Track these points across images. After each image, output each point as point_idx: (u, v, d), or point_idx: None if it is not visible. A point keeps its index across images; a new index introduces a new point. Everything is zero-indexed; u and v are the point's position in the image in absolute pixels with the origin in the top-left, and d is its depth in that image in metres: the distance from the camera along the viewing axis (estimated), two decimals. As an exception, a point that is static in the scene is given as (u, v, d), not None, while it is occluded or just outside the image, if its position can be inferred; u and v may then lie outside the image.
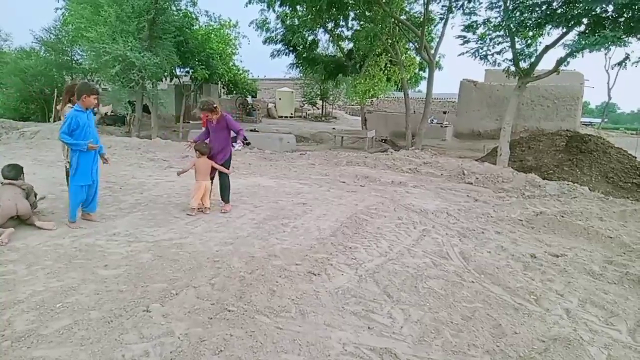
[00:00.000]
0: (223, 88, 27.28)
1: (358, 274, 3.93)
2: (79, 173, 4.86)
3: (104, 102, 23.17)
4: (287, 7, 17.53)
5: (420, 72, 22.85)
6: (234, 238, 4.76)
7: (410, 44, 17.84)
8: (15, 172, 4.97)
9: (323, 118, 33.34)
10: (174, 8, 17.43)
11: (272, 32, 19.75)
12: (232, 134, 5.96)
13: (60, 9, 20.14)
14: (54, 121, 20.55)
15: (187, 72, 21.03)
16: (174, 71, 19.87)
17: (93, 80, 23.59)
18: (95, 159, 5.10)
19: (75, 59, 23.63)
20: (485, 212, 6.47)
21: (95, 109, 5.96)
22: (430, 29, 17.06)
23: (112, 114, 22.17)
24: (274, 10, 18.26)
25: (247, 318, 3.04)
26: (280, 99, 32.91)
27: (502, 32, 10.87)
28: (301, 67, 22.39)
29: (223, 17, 20.50)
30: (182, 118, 21.36)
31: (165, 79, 20.95)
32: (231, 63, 23.03)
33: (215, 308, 3.15)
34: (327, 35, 19.99)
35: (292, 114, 33.30)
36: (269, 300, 3.32)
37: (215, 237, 4.75)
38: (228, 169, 5.98)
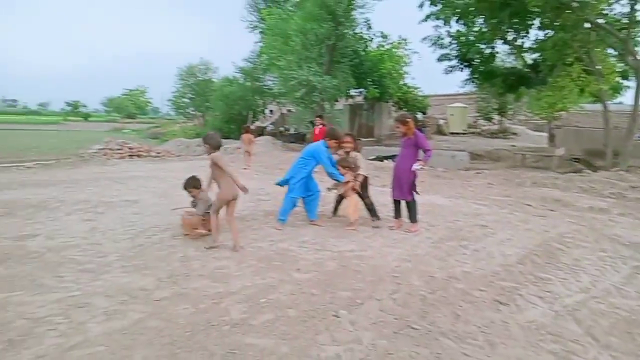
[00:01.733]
0: (394, 106, 27.79)
1: (554, 309, 3.54)
2: (297, 188, 5.84)
3: (290, 122, 25.81)
4: (463, 24, 17.02)
5: (623, 81, 19.60)
6: (412, 255, 4.77)
7: (610, 50, 15.48)
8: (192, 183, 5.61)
9: (500, 134, 31.09)
10: (351, 33, 18.53)
11: (447, 47, 19.37)
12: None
13: (258, 42, 23.23)
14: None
15: (360, 92, 22.06)
16: (349, 92, 21.06)
17: (280, 103, 26.57)
18: (311, 176, 6.03)
19: (267, 85, 26.96)
20: None
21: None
22: (637, 31, 14.54)
23: (295, 132, 24.55)
24: (449, 26, 17.93)
25: (432, 339, 3.01)
26: (452, 114, 31.89)
27: None
28: (476, 81, 21.38)
29: (393, 37, 20.98)
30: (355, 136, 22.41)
31: (341, 99, 22.31)
32: (401, 81, 23.37)
33: (399, 323, 3.19)
34: (507, 47, 18.72)
35: (464, 130, 31.92)
36: (453, 324, 3.23)
37: (392, 253, 4.84)
38: (414, 191, 5.91)
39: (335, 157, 6.04)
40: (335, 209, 6.38)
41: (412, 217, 5.89)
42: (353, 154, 6.08)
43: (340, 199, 6.22)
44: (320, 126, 11.87)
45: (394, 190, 5.92)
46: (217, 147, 4.81)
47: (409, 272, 4.24)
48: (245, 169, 11.70)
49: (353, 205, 5.85)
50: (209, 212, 5.04)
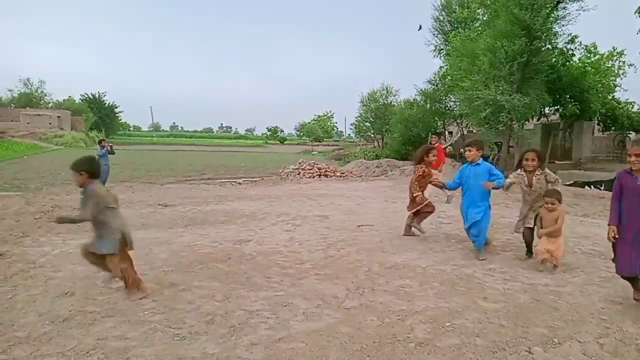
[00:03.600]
0: (598, 124, 24.16)
1: None
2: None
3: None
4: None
5: None
6: (624, 298, 4.11)
7: None
8: None
9: None
10: (549, 47, 16.96)
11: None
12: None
13: (442, 65, 23.05)
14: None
15: (557, 109, 19.86)
16: (542, 110, 19.20)
17: (462, 124, 25.71)
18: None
19: (448, 106, 26.45)
20: None
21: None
22: None
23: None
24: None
25: (652, 397, 2.57)
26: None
27: None
28: None
29: (606, 46, 18.32)
30: (548, 157, 20.19)
31: (532, 119, 20.48)
32: (610, 96, 20.22)
33: (609, 373, 2.82)
34: None
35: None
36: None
37: (598, 292, 4.26)
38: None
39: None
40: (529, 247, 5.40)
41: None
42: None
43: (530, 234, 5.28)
44: (437, 144, 10.38)
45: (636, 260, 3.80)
46: None
47: (621, 315, 3.68)
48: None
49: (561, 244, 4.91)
50: None
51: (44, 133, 46.49)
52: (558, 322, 3.55)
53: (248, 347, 3.11)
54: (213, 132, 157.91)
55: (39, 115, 53.06)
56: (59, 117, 54.39)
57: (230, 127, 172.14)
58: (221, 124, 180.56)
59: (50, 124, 51.55)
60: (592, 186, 13.42)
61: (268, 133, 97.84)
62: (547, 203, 4.83)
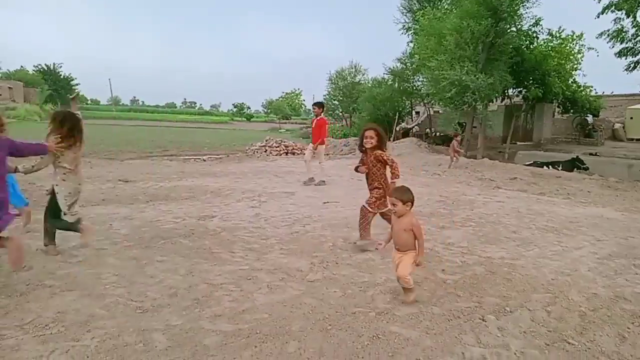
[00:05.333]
0: (558, 107, 25.01)
1: None
2: None
3: (437, 123, 25.18)
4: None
5: None
6: (572, 270, 4.37)
7: None
8: None
9: None
10: (514, 29, 17.28)
11: (631, 40, 16.76)
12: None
13: (411, 41, 23.05)
14: (393, 140, 23.83)
15: (520, 91, 20.39)
16: (506, 91, 19.67)
17: (429, 104, 26.04)
18: None
19: (416, 85, 26.65)
20: None
21: None
22: None
23: (441, 134, 23.90)
24: (634, 17, 15.54)
25: (591, 356, 2.78)
26: (631, 117, 27.40)
27: None
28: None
29: (566, 30, 18.83)
30: (510, 139, 20.86)
31: (496, 100, 20.97)
32: (571, 79, 20.90)
33: (553, 336, 3.01)
34: None
35: (647, 135, 27.15)
36: (617, 346, 2.92)
37: (549, 265, 4.50)
38: None
39: None
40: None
41: None
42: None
43: None
44: (319, 118, 9.68)
45: None
46: None
47: (568, 287, 3.91)
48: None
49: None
50: None
51: (-7, 105, 43.91)
52: (511, 292, 3.74)
53: (212, 319, 3.12)
54: (176, 107, 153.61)
55: (-15, 85, 50.01)
56: (10, 88, 51.44)
57: (195, 103, 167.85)
58: (185, 99, 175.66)
59: (0, 95, 48.74)
60: (550, 166, 13.98)
61: (234, 110, 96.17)
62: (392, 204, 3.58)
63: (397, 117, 27.02)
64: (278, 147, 18.39)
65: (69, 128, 4.20)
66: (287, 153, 17.59)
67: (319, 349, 2.77)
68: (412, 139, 22.78)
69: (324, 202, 7.17)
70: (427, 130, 26.79)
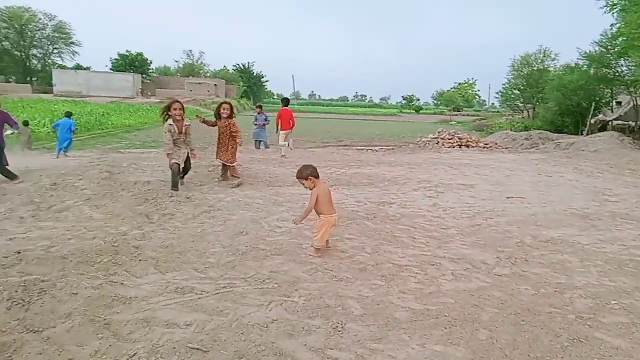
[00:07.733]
0: None
1: None
2: None
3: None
4: None
5: None
6: None
7: None
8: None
9: None
10: None
11: None
12: None
13: (616, 22, 19.73)
14: (587, 134, 20.87)
15: None
16: None
17: (637, 93, 22.00)
18: None
19: (619, 71, 22.72)
20: None
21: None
22: None
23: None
24: None
25: None
26: None
27: None
28: None
29: None
30: None
31: None
32: None
33: None
34: None
35: None
36: None
37: None
38: None
39: None
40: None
41: None
42: None
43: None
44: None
45: None
46: None
47: None
48: None
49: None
50: None
51: (203, 100, 52.50)
52: None
53: (400, 296, 3.32)
54: (348, 100, 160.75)
55: (200, 83, 60.15)
56: (215, 85, 60.82)
57: (365, 96, 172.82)
58: (356, 93, 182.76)
59: (208, 91, 58.10)
60: None
61: (403, 102, 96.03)
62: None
63: (592, 108, 23.52)
64: (451, 139, 17.81)
65: None
66: (460, 146, 16.92)
67: (512, 341, 2.72)
68: (613, 133, 19.52)
69: (507, 197, 6.78)
70: (632, 123, 22.62)
